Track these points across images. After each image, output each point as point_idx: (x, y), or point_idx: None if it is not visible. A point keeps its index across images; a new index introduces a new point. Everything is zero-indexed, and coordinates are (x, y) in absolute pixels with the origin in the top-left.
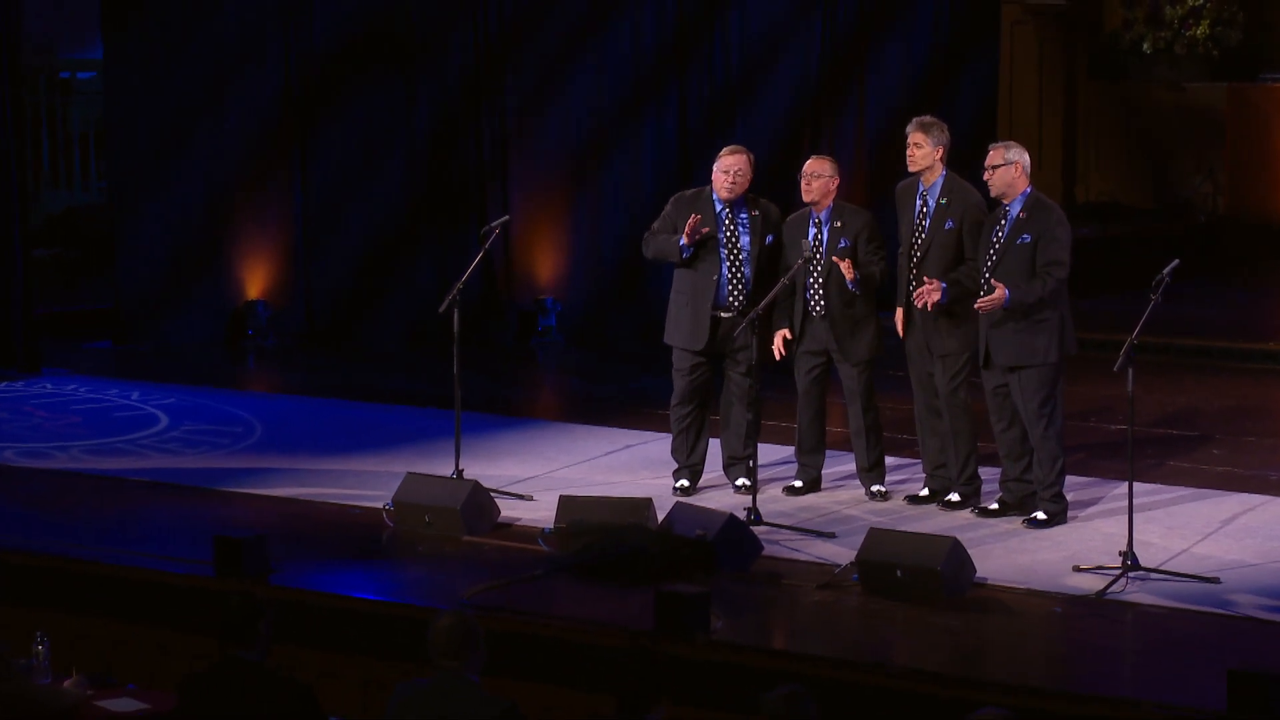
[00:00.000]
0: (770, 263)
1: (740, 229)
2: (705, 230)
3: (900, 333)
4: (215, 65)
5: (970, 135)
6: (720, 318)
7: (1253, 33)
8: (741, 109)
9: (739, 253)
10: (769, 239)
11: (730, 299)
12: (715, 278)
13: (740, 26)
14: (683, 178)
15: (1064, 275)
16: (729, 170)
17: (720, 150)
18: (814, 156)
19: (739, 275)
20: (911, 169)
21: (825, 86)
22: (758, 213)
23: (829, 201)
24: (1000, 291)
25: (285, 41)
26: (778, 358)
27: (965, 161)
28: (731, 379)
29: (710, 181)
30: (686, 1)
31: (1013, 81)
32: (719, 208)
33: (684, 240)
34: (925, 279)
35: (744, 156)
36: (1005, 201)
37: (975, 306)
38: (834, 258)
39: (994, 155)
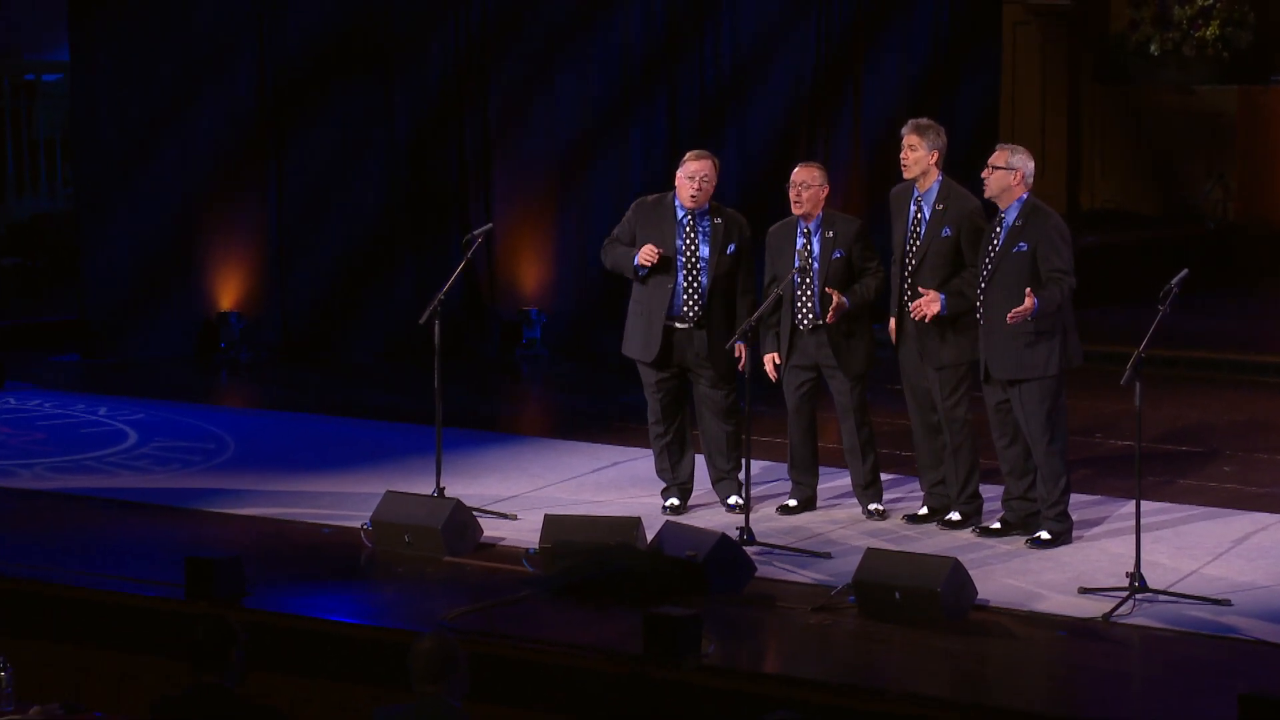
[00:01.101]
0: (730, 273)
1: (700, 237)
2: (660, 253)
3: (893, 344)
4: (187, 68)
5: (971, 140)
6: (675, 328)
7: (1264, 33)
8: (733, 113)
9: (696, 262)
10: (730, 248)
11: (685, 309)
12: (670, 287)
13: (732, 27)
14: (672, 185)
15: (1073, 283)
16: (694, 176)
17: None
18: (801, 165)
19: (695, 285)
20: (906, 173)
21: (820, 89)
22: (720, 221)
23: (819, 210)
24: (1030, 301)
25: (260, 43)
26: (773, 379)
27: (966, 167)
28: (700, 392)
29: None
30: (676, 1)
31: (1015, 84)
32: (680, 214)
33: (638, 261)
34: (921, 290)
35: (709, 162)
36: (1001, 207)
37: (1008, 318)
38: (827, 289)
39: (999, 155)
